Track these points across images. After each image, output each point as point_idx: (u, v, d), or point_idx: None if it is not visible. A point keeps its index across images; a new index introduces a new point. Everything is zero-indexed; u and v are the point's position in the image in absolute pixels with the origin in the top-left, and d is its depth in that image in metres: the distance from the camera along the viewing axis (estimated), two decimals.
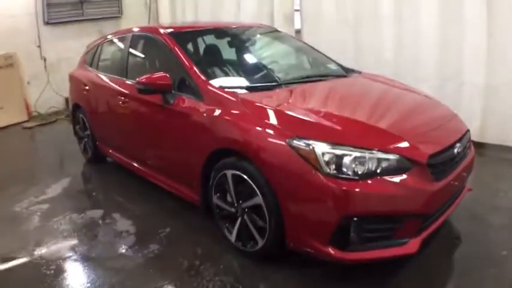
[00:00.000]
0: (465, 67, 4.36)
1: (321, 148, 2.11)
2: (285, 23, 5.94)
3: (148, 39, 3.62)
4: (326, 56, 3.80)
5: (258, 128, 2.36)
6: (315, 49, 3.90)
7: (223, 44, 3.62)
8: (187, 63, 2.97)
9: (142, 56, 3.82)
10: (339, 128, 2.32)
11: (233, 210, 2.56)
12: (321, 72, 3.50)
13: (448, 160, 2.37)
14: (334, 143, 2.14)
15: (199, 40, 3.66)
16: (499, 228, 2.86)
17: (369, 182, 2.08)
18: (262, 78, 3.09)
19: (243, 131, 2.42)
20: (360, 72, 3.55)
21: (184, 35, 3.48)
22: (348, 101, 2.82)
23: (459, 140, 2.51)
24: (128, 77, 3.60)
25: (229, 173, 2.50)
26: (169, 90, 2.89)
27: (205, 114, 2.67)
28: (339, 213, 2.08)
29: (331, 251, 2.13)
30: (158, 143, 3.21)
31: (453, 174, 2.38)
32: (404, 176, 2.13)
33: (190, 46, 3.56)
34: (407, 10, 4.77)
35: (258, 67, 3.34)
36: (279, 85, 2.89)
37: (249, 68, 3.40)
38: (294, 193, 2.20)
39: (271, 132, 2.30)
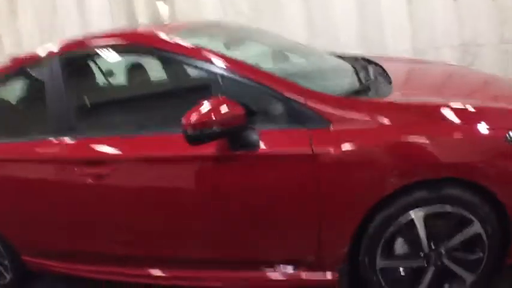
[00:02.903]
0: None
1: None
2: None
3: (131, 55, 2.53)
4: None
5: (469, 134, 1.83)
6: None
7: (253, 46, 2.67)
8: (267, 73, 1.98)
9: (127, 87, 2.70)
10: None
11: (420, 262, 1.92)
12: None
13: None
14: None
15: (219, 42, 2.48)
16: None
17: None
18: (345, 79, 2.34)
19: (458, 144, 1.82)
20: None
21: (193, 35, 2.36)
22: (464, 84, 2.52)
23: None
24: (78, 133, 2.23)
25: (418, 213, 1.86)
26: (245, 125, 1.86)
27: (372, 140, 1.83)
28: None
29: None
30: (229, 218, 2.04)
31: None
32: None
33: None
34: None
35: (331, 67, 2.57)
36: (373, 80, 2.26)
37: (324, 70, 2.53)
38: None
39: (482, 132, 1.81)
